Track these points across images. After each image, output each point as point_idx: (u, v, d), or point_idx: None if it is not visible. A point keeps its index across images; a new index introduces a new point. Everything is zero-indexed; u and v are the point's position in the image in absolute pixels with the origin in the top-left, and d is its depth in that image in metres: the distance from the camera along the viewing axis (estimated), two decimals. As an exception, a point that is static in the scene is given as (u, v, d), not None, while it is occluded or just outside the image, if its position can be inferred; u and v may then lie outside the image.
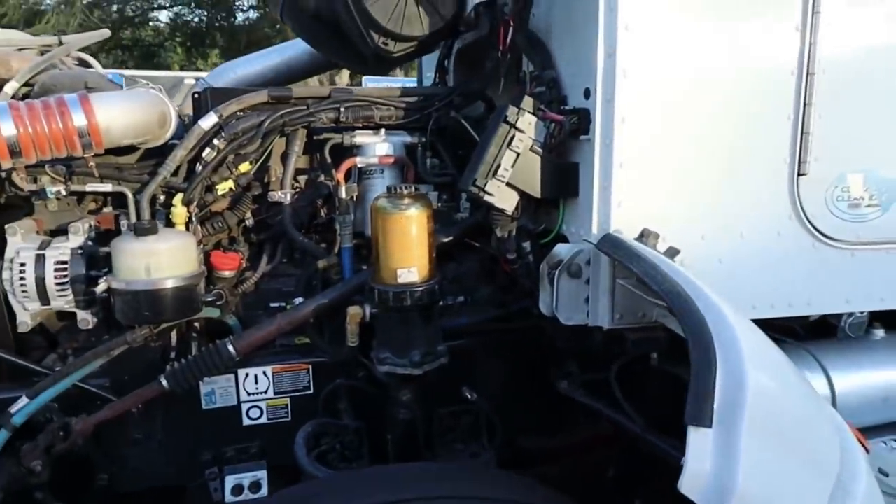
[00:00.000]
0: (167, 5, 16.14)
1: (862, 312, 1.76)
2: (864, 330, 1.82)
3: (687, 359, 1.62)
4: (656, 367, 1.73)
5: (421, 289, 1.58)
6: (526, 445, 2.12)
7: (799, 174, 1.58)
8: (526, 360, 1.98)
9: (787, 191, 1.58)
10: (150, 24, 16.68)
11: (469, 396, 1.83)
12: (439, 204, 1.95)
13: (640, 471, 2.02)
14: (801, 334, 1.89)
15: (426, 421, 1.80)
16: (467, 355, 1.87)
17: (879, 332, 1.82)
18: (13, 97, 1.74)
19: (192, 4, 16.16)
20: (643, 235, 1.45)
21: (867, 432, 1.64)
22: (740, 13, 1.48)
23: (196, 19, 16.76)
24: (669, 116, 1.48)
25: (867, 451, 1.35)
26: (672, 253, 1.45)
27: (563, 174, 1.59)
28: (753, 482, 0.94)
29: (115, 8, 15.53)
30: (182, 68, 15.07)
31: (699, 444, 0.97)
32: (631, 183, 1.47)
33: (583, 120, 1.52)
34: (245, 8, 16.95)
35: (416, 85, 3.22)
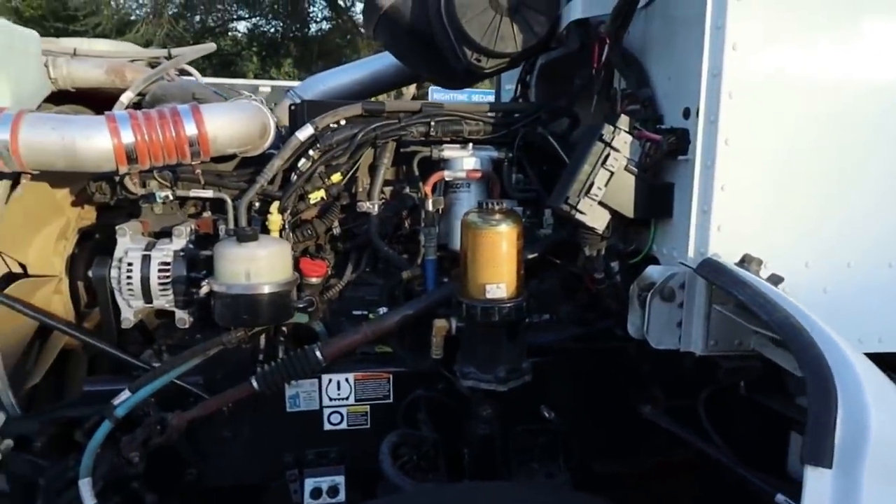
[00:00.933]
0: (246, 16, 16.88)
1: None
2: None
3: (778, 390, 1.57)
4: (744, 396, 1.66)
5: (509, 305, 1.57)
6: (600, 469, 2.08)
7: (916, 201, 1.49)
8: (605, 381, 1.94)
9: (899, 219, 1.50)
10: (229, 34, 17.47)
11: (547, 415, 1.81)
12: (523, 219, 1.95)
13: (722, 502, 1.95)
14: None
15: (503, 438, 1.79)
16: (547, 373, 1.85)
17: None
18: (127, 106, 1.85)
19: (269, 16, 16.85)
20: (745, 261, 1.40)
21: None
22: (855, 34, 1.41)
23: (272, 30, 17.46)
24: (776, 138, 1.42)
25: None
26: (775, 280, 1.39)
27: (658, 195, 1.56)
28: (877, 532, 0.89)
29: (197, 19, 16.36)
30: (256, 76, 15.71)
31: (818, 486, 0.92)
32: (732, 206, 1.42)
33: (681, 140, 1.49)
34: (318, 19, 17.54)
35: (487, 97, 3.23)
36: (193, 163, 1.69)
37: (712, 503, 1.97)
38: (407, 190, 1.95)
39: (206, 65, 17.25)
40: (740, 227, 1.44)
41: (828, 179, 1.46)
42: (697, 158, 1.44)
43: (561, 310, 1.96)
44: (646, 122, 1.59)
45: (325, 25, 17.24)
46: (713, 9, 1.39)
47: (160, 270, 1.73)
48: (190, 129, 1.60)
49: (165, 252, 1.74)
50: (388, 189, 2.00)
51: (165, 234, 1.82)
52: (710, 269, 1.36)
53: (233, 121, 1.69)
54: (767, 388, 1.61)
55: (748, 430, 1.77)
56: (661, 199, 1.56)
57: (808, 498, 0.91)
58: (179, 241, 1.76)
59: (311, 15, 17.09)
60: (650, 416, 1.78)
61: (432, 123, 1.85)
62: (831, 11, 1.40)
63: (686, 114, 1.49)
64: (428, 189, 1.86)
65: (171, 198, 1.78)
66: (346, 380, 1.84)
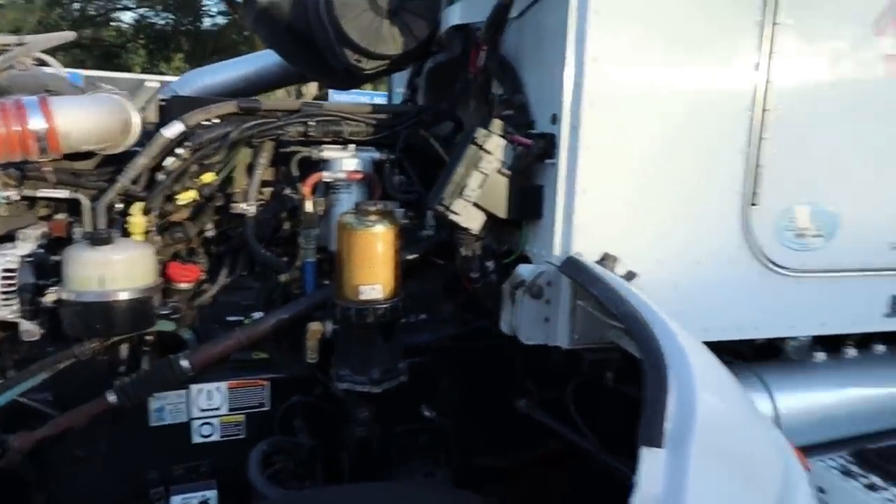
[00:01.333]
0: (132, 6, 15.79)
1: (805, 336, 1.83)
2: (807, 353, 1.89)
3: (639, 378, 1.68)
4: (610, 386, 1.76)
5: (384, 306, 1.57)
6: (479, 464, 2.13)
7: (750, 204, 1.65)
8: (483, 378, 1.99)
9: (738, 220, 1.64)
10: (113, 24, 16.26)
11: (428, 414, 1.83)
12: (405, 221, 1.96)
13: (592, 491, 2.05)
14: (748, 356, 1.95)
15: (383, 439, 1.79)
16: (426, 373, 1.87)
17: (821, 356, 1.88)
18: (-34, 96, 1.67)
19: (159, 7, 15.86)
20: (603, 259, 1.49)
21: (807, 451, 1.70)
22: (702, 50, 1.55)
23: (162, 22, 16.44)
24: (631, 145, 1.52)
25: (808, 469, 1.40)
26: (630, 276, 1.49)
27: (528, 196, 1.62)
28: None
29: (76, 6, 15.11)
30: (144, 71, 14.74)
31: (651, 464, 0.99)
32: (592, 208, 1.51)
33: (549, 145, 1.55)
34: (213, 13, 16.74)
35: (385, 99, 3.23)
36: (42, 160, 1.55)
37: (583, 491, 2.07)
38: (286, 191, 1.90)
39: (87, 56, 15.98)
40: (601, 227, 1.53)
41: (681, 184, 1.58)
42: (562, 163, 1.52)
43: (442, 310, 1.99)
44: (519, 127, 1.65)
45: (220, 20, 16.51)
46: (575, 22, 1.47)
47: (4, 278, 1.58)
48: (36, 123, 1.47)
49: (9, 258, 1.59)
50: (267, 190, 1.94)
51: (10, 238, 1.66)
52: (572, 267, 1.43)
53: (89, 115, 1.57)
54: (631, 378, 1.72)
55: (615, 419, 1.88)
56: (531, 200, 1.62)
57: (644, 476, 0.97)
58: (26, 246, 1.62)
59: (204, 8, 16.30)
60: (525, 410, 1.84)
61: (311, 123, 1.82)
62: (686, 26, 1.52)
63: (554, 120, 1.56)
64: (307, 190, 1.83)
65: (15, 198, 1.63)
66: (218, 389, 1.77)
